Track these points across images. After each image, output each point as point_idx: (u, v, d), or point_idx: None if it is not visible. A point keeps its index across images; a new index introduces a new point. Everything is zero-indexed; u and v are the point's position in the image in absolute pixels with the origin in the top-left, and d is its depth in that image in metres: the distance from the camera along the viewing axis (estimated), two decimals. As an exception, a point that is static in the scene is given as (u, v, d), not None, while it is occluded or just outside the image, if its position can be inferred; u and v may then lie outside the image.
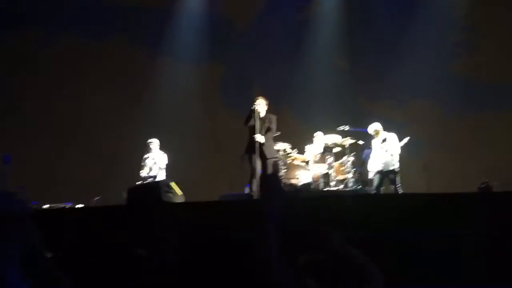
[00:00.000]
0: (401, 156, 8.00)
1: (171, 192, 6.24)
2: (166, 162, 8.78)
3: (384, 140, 8.00)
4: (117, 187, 8.20)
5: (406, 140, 8.12)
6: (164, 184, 6.19)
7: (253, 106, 7.21)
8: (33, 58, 11.66)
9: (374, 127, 8.18)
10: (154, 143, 8.84)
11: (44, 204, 8.15)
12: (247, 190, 7.52)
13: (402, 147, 8.05)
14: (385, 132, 8.13)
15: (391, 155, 7.88)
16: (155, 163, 8.72)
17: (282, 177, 8.60)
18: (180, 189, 6.31)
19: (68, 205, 8.25)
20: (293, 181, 8.59)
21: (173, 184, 6.24)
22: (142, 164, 8.78)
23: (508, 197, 5.50)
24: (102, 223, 5.45)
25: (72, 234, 5.24)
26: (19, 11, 11.57)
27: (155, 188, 6.14)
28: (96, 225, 5.47)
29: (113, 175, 9.34)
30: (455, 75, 11.30)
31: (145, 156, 8.79)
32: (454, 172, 9.89)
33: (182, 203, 6.24)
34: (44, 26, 11.70)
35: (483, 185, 7.34)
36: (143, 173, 8.69)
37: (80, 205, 8.13)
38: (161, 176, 8.64)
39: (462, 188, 7.56)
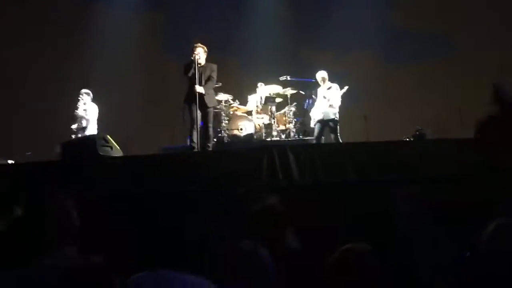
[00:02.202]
0: (341, 105, 8.13)
1: (109, 146, 6.00)
2: (97, 115, 8.43)
3: (329, 89, 8.10)
4: (49, 142, 7.83)
5: (345, 89, 8.23)
6: (100, 137, 5.91)
7: (193, 55, 6.97)
8: None
9: (321, 74, 8.25)
10: (86, 94, 8.44)
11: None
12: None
13: (342, 96, 8.16)
14: (329, 81, 8.21)
15: (331, 105, 7.99)
16: (87, 115, 8.34)
17: (224, 128, 8.55)
18: (116, 142, 6.07)
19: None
20: (236, 132, 8.55)
21: (109, 137, 5.98)
22: (74, 116, 8.38)
23: (438, 143, 5.74)
24: (36, 180, 5.20)
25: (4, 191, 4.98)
26: None
27: (91, 141, 5.87)
28: (29, 181, 5.20)
29: (43, 129, 8.87)
30: (393, 26, 11.42)
31: (77, 107, 8.39)
32: (392, 121, 10.18)
33: (121, 156, 6.03)
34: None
35: (417, 132, 7.60)
36: (74, 126, 8.32)
37: (11, 161, 7.71)
38: (93, 129, 8.31)
39: (399, 136, 7.80)
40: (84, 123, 8.30)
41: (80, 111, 8.33)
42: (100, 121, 8.42)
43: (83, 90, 8.44)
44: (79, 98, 8.40)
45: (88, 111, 8.36)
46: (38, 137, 8.92)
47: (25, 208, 2.71)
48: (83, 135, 8.13)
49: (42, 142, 8.63)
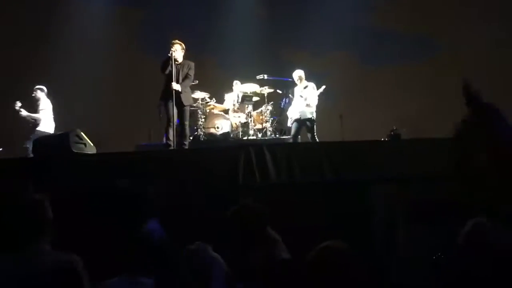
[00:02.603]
0: (317, 105, 8.15)
1: (83, 143, 5.87)
2: (51, 111, 8.29)
3: (305, 87, 8.11)
4: (20, 138, 7.66)
5: (322, 88, 8.26)
6: (74, 134, 5.78)
7: (170, 52, 6.89)
8: None
9: (298, 73, 8.26)
10: (40, 90, 8.27)
11: None
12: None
13: (319, 96, 8.19)
14: (306, 81, 8.23)
15: (308, 104, 8.01)
16: (39, 111, 8.17)
17: (200, 126, 8.49)
18: (91, 140, 5.95)
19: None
20: (212, 130, 8.50)
21: (83, 134, 5.86)
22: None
23: (413, 143, 5.82)
24: (7, 177, 5.05)
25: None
26: None
27: (64, 138, 5.73)
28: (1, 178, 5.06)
29: (14, 125, 8.64)
30: (371, 27, 11.53)
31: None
32: (367, 121, 10.26)
33: (94, 153, 5.91)
34: None
35: (392, 133, 7.67)
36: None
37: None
38: (46, 125, 8.16)
39: (374, 136, 7.86)
40: (36, 119, 8.13)
41: (23, 112, 8.12)
42: (75, 117, 8.26)
43: (36, 86, 8.28)
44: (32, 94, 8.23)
45: (40, 107, 8.19)
46: (9, 133, 8.67)
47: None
48: (35, 132, 7.96)
49: (14, 138, 8.41)
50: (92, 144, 5.95)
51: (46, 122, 8.16)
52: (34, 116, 8.12)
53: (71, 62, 10.70)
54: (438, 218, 3.89)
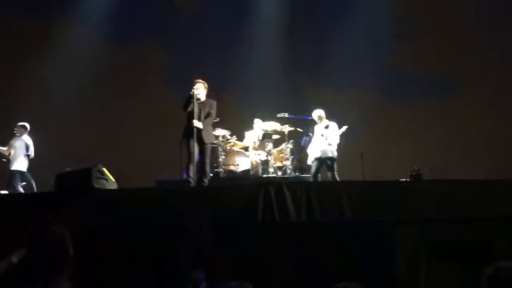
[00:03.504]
0: (339, 143, 8.13)
1: (104, 178, 5.95)
2: (28, 150, 8.44)
3: (326, 127, 8.11)
4: (42, 173, 7.78)
5: (344, 128, 8.25)
6: (96, 170, 5.87)
7: (192, 90, 7.02)
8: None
9: (318, 113, 8.28)
10: (21, 127, 8.47)
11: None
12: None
13: (340, 135, 8.17)
14: (327, 120, 8.23)
15: (329, 144, 7.99)
16: (15, 147, 8.34)
17: (221, 163, 8.53)
18: (112, 175, 6.04)
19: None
20: (232, 168, 8.52)
21: (105, 170, 5.95)
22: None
23: (435, 184, 5.73)
24: (31, 211, 5.14)
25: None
26: None
27: (86, 173, 5.82)
28: (24, 213, 5.14)
29: (40, 160, 8.82)
30: (391, 66, 11.60)
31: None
32: (389, 160, 10.19)
33: (116, 189, 5.98)
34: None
35: (414, 173, 7.58)
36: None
37: (3, 192, 7.63)
38: (19, 163, 8.31)
39: (396, 175, 7.78)
40: (11, 155, 8.29)
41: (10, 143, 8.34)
42: (95, 152, 8.38)
43: (19, 123, 8.48)
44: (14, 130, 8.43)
45: (17, 144, 8.34)
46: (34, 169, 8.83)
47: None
48: (10, 167, 8.19)
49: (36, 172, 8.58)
50: (113, 180, 6.02)
51: (19, 160, 8.27)
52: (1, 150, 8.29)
53: (93, 97, 11.00)
54: (460, 259, 3.78)
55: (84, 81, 11.12)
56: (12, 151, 8.33)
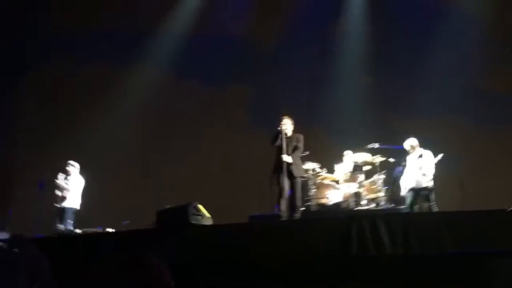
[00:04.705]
0: (435, 173, 7.78)
1: (199, 215, 6.21)
2: (81, 188, 8.59)
3: (420, 156, 7.82)
4: (139, 211, 8.18)
5: (439, 157, 7.90)
6: (192, 207, 6.16)
7: (280, 126, 7.17)
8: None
9: (410, 142, 8.01)
10: (72, 166, 8.63)
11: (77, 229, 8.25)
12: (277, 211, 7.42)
13: (436, 164, 7.83)
14: (421, 148, 7.95)
15: (424, 174, 7.68)
16: (68, 186, 8.49)
17: (312, 197, 8.50)
18: (207, 211, 6.28)
19: (99, 230, 8.29)
20: (323, 201, 8.47)
21: (200, 207, 6.21)
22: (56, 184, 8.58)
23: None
24: (135, 246, 5.49)
25: (108, 257, 5.28)
26: None
27: (183, 210, 6.12)
28: (129, 248, 5.51)
29: (136, 198, 9.37)
30: (487, 90, 11.01)
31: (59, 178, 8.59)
32: (489, 189, 9.55)
33: (210, 225, 6.20)
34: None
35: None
36: (59, 193, 8.52)
37: (111, 230, 8.16)
38: (73, 201, 8.47)
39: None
40: (65, 193, 8.43)
41: (60, 181, 8.51)
42: (192, 189, 8.68)
43: (70, 162, 8.66)
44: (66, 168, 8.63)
45: (70, 182, 8.52)
46: (130, 207, 9.34)
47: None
48: (62, 205, 8.36)
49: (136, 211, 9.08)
50: (209, 216, 6.25)
51: (73, 197, 8.45)
52: (64, 187, 8.44)
53: (185, 138, 11.52)
54: None
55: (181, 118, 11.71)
56: (72, 189, 8.49)
